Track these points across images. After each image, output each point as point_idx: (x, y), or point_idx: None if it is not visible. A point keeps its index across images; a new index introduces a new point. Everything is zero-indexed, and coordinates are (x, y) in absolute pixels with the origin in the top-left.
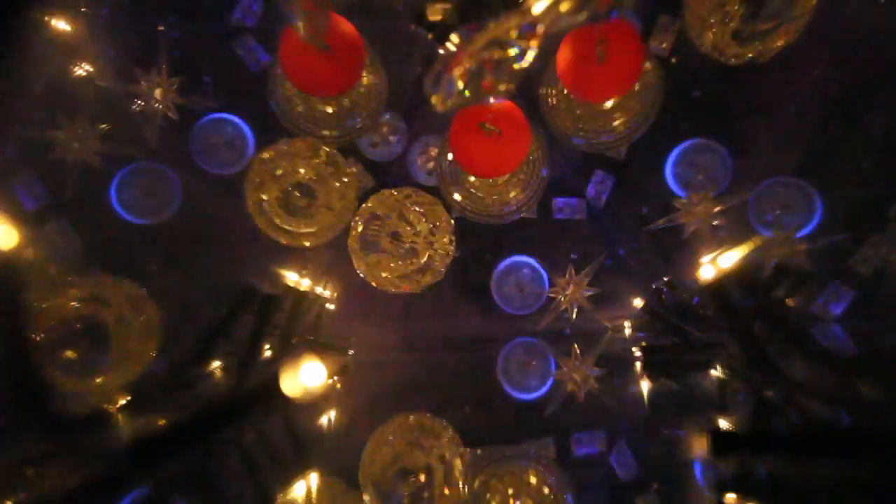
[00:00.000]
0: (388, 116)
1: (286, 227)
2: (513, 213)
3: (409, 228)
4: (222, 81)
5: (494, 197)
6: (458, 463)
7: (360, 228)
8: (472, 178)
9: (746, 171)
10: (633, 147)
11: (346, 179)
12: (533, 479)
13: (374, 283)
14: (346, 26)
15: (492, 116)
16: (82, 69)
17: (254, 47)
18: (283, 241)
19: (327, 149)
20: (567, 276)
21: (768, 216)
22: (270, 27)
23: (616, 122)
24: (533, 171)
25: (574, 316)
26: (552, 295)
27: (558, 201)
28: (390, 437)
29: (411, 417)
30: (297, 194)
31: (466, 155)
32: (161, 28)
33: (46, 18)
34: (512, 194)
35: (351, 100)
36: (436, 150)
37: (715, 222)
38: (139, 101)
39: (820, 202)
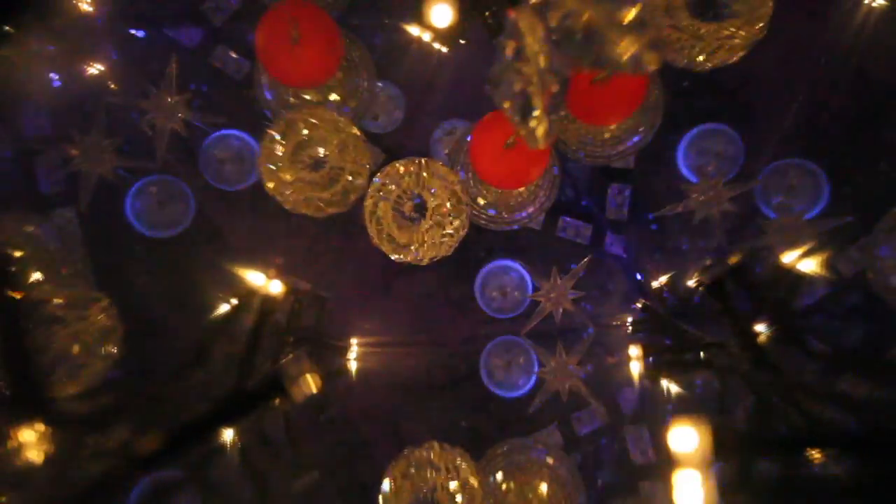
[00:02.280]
0: (381, 85)
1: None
2: (521, 221)
3: (433, 201)
4: (212, 98)
5: (511, 203)
6: (473, 483)
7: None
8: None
9: (759, 149)
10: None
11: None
12: (545, 470)
13: (377, 241)
14: (320, 18)
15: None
16: (94, 68)
17: (230, 58)
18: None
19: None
20: (551, 279)
21: (774, 199)
22: (240, 34)
23: (621, 139)
24: (545, 177)
25: (559, 319)
26: (537, 299)
27: (565, 220)
28: (411, 470)
29: (425, 448)
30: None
31: (485, 166)
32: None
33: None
34: (523, 199)
35: (338, 92)
36: (459, 133)
37: (725, 207)
38: (149, 117)
39: (827, 186)
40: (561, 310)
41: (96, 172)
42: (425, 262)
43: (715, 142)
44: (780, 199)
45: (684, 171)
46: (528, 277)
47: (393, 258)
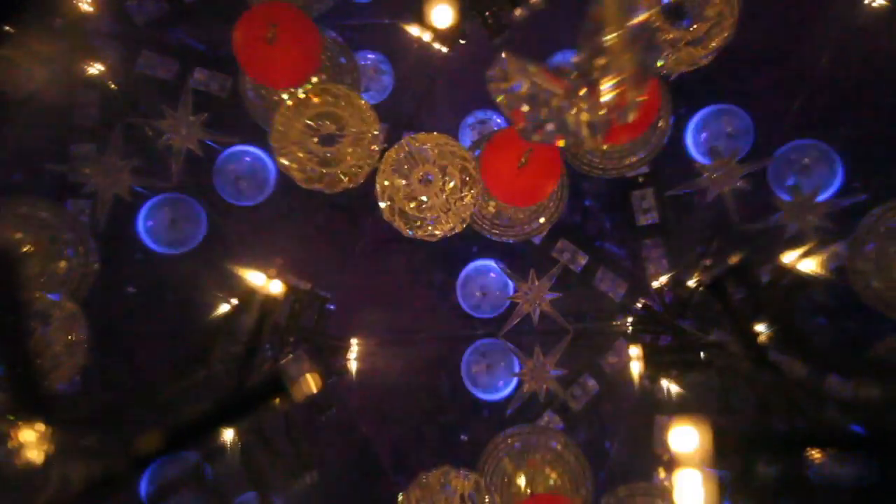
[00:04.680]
0: (370, 56)
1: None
2: (530, 234)
3: (440, 179)
4: (210, 118)
5: (521, 216)
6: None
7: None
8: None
9: (770, 128)
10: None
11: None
12: (550, 455)
13: (385, 208)
14: (298, 19)
15: (531, 147)
16: (94, 68)
17: (211, 78)
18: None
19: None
20: (528, 280)
21: (788, 180)
22: (215, 52)
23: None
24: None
25: (536, 320)
26: (515, 300)
27: (564, 243)
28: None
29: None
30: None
31: (497, 184)
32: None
33: (47, 18)
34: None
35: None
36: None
37: (737, 185)
38: (166, 137)
39: (841, 168)
40: (538, 311)
41: (112, 192)
42: (458, 228)
43: (722, 122)
44: (794, 181)
45: (698, 157)
46: (510, 281)
47: (433, 239)
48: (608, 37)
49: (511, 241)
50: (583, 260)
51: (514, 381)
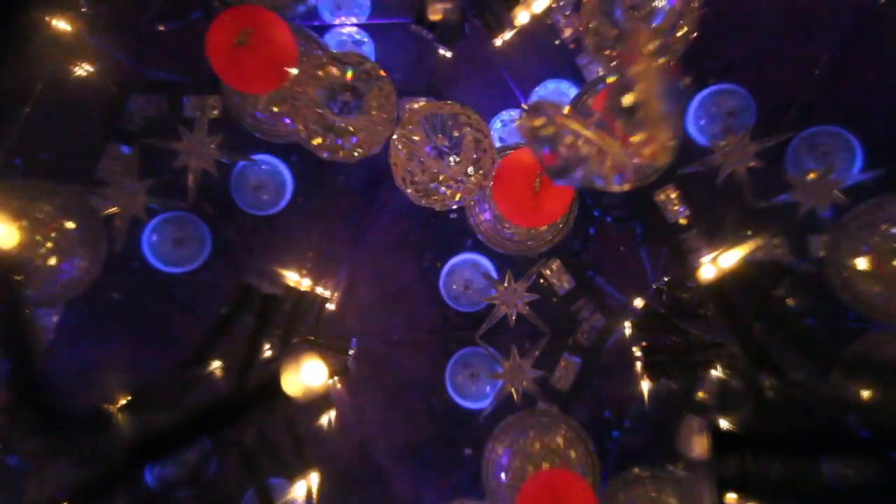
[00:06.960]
0: (346, 29)
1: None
2: (535, 248)
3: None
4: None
5: (532, 231)
6: None
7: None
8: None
9: (773, 104)
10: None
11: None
12: (559, 440)
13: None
14: (271, 23)
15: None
16: (83, 69)
17: (200, 104)
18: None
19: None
20: (505, 282)
21: (807, 166)
22: (196, 78)
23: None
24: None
25: (513, 321)
26: (492, 301)
27: (556, 263)
28: None
29: None
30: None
31: (509, 205)
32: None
33: (47, 18)
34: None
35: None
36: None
37: (751, 163)
38: (181, 158)
39: (860, 154)
40: (515, 313)
41: (130, 214)
42: (483, 183)
43: (720, 103)
44: (813, 167)
45: (705, 142)
46: (493, 277)
47: (468, 202)
48: (640, 87)
49: (502, 252)
50: (567, 284)
51: (501, 383)
